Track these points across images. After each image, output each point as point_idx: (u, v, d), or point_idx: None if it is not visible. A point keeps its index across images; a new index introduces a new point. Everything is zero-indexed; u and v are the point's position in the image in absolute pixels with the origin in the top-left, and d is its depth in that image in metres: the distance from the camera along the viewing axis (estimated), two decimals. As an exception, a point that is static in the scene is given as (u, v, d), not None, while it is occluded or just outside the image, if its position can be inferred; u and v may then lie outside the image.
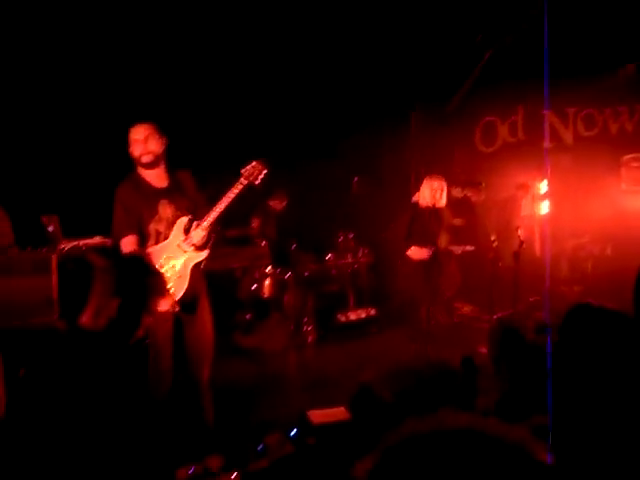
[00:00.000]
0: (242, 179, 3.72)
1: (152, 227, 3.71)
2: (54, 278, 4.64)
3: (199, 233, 3.63)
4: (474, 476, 0.63)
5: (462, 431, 0.68)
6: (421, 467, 0.65)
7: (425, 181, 5.74)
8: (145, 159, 3.66)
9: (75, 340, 2.25)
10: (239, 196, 3.72)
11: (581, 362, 1.44)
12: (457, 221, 7.53)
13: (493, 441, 0.66)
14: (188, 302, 3.67)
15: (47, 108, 5.92)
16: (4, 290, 4.27)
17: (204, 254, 3.72)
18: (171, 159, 3.84)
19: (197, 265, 3.76)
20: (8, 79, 5.67)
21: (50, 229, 4.80)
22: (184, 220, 3.69)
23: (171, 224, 3.71)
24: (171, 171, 3.81)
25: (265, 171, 3.78)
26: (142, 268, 2.39)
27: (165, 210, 3.70)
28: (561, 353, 1.50)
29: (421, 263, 5.57)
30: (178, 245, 3.66)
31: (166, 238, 3.70)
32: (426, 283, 5.62)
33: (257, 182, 3.77)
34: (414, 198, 5.82)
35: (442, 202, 5.68)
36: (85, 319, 2.33)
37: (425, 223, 5.62)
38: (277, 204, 7.22)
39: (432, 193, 5.61)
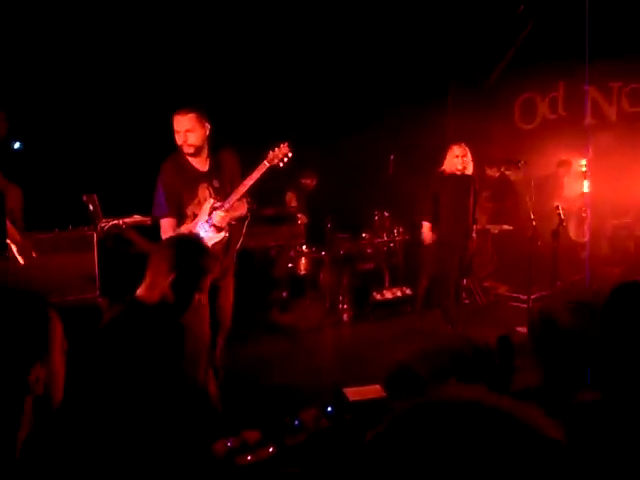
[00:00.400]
0: (265, 162, 3.76)
1: (190, 210, 3.78)
2: (95, 255, 4.77)
3: (219, 214, 3.68)
4: (481, 450, 0.62)
5: (471, 404, 0.68)
6: (425, 437, 0.65)
7: (449, 149, 5.73)
8: (186, 150, 3.73)
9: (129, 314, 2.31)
10: (263, 177, 3.76)
11: (628, 342, 1.41)
12: (492, 202, 7.45)
13: (503, 416, 0.65)
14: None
15: (88, 89, 6.00)
16: (47, 268, 4.40)
17: (221, 235, 3.76)
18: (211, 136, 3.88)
19: (224, 244, 3.79)
20: (49, 64, 5.76)
21: (90, 208, 4.91)
22: (211, 202, 3.74)
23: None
24: (213, 153, 3.85)
25: (290, 154, 3.79)
26: (197, 247, 2.46)
27: (204, 193, 3.77)
28: (606, 333, 1.47)
29: (456, 242, 5.52)
30: (201, 225, 3.72)
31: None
32: (461, 262, 5.57)
33: (281, 165, 3.79)
34: (439, 168, 5.76)
35: (469, 169, 5.65)
36: (141, 292, 2.38)
37: (452, 192, 5.57)
38: (308, 182, 7.24)
39: (456, 159, 5.59)
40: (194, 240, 2.75)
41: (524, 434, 0.63)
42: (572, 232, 7.08)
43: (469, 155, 5.66)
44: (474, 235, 5.79)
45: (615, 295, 1.51)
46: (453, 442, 0.63)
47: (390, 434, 0.68)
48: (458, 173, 5.60)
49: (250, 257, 5.96)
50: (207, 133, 3.78)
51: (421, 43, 8.24)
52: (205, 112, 3.79)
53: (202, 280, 2.39)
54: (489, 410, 0.66)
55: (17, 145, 5.36)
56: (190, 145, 3.70)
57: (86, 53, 5.94)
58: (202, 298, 2.45)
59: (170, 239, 2.78)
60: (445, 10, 7.65)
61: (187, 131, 3.68)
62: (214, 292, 3.63)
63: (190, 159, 3.80)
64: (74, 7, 5.70)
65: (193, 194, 3.76)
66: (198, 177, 3.79)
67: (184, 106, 3.72)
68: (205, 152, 3.83)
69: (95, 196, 5.02)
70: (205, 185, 3.78)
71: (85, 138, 6.00)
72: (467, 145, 5.75)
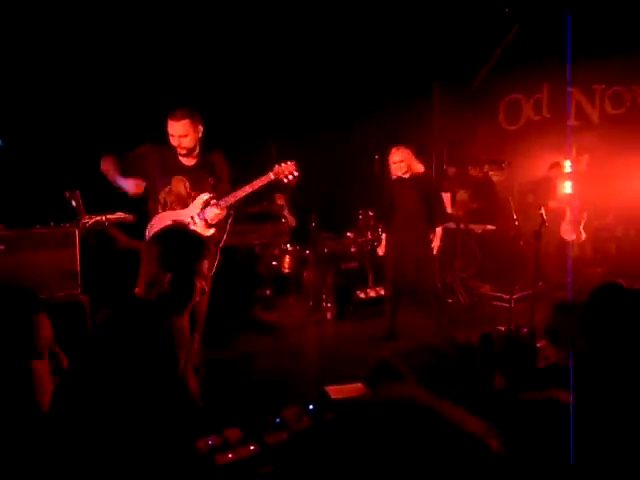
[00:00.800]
0: (271, 174, 3.85)
1: (162, 196, 3.90)
2: (77, 252, 4.73)
3: (213, 211, 3.76)
4: (409, 447, 0.64)
5: (422, 408, 0.70)
6: (360, 433, 0.68)
7: (389, 152, 5.53)
8: (179, 151, 3.88)
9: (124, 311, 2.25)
10: (263, 188, 3.90)
11: (609, 340, 1.43)
12: (475, 202, 7.49)
13: (448, 427, 0.67)
14: None
15: (70, 83, 5.94)
16: (29, 264, 4.36)
17: (210, 232, 3.81)
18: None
19: (214, 242, 3.85)
20: (31, 58, 5.70)
21: (73, 204, 4.86)
22: (205, 196, 3.81)
23: (183, 199, 3.88)
24: (203, 152, 3.98)
25: (296, 173, 3.87)
26: (186, 238, 2.35)
27: (178, 185, 3.88)
28: (587, 330, 1.49)
29: (408, 246, 5.44)
30: (192, 217, 3.79)
31: (173, 210, 3.87)
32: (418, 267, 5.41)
33: (285, 181, 3.90)
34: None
35: (415, 170, 5.44)
36: (138, 291, 2.29)
37: (400, 196, 5.43)
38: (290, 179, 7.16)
39: (394, 166, 5.40)
40: (182, 231, 2.57)
41: (452, 434, 0.65)
42: (564, 232, 7.14)
43: (410, 157, 5.43)
44: (432, 237, 5.53)
45: (595, 295, 1.53)
46: (386, 438, 0.65)
47: (328, 429, 0.71)
48: (405, 176, 5.43)
49: (234, 254, 5.94)
50: (200, 135, 3.90)
51: (406, 44, 8.27)
52: (197, 115, 3.88)
53: (200, 269, 2.30)
54: (421, 409, 0.68)
55: None
56: (183, 148, 3.85)
57: (67, 48, 5.88)
58: (205, 285, 2.35)
59: (158, 234, 2.60)
60: (430, 11, 7.68)
61: (180, 136, 3.80)
62: None
63: (180, 155, 3.93)
64: (58, 3, 5.65)
65: (166, 181, 3.87)
66: (178, 168, 3.90)
67: (177, 110, 3.81)
68: (195, 151, 3.95)
69: (78, 192, 4.98)
70: (180, 178, 3.88)
71: (68, 133, 5.95)
72: (400, 146, 5.53)
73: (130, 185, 3.85)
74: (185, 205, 3.91)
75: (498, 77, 8.81)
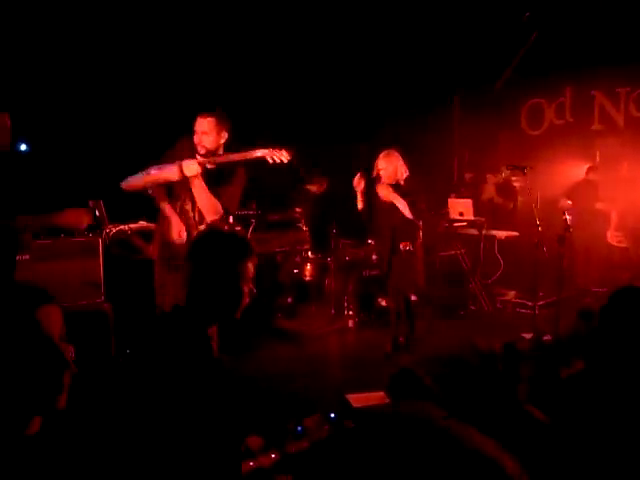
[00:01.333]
0: (258, 151, 3.75)
1: (177, 191, 3.92)
2: (100, 261, 4.79)
3: (193, 164, 3.74)
4: (423, 466, 0.63)
5: (422, 421, 0.69)
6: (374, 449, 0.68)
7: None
8: (199, 149, 3.85)
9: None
10: (249, 161, 3.81)
11: (624, 344, 1.39)
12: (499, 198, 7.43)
13: (449, 438, 0.67)
14: None
15: (96, 92, 6.02)
16: (52, 273, 4.41)
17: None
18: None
19: None
20: (58, 67, 5.80)
21: (96, 213, 4.93)
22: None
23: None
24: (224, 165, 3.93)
25: (285, 161, 3.81)
26: (221, 239, 2.14)
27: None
28: (602, 335, 1.45)
29: (382, 258, 5.34)
30: None
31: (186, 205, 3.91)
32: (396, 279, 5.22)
33: (270, 162, 3.78)
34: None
35: (397, 177, 5.19)
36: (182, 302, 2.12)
37: (379, 204, 5.24)
38: (315, 188, 7.14)
39: (381, 172, 5.19)
40: (216, 232, 2.29)
41: (469, 459, 0.64)
42: (612, 237, 7.04)
43: (395, 164, 5.21)
44: (409, 249, 5.21)
45: (613, 299, 1.49)
46: (402, 452, 0.64)
47: (346, 441, 0.71)
48: (390, 182, 5.21)
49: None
50: (222, 141, 3.88)
51: (428, 50, 8.25)
52: (226, 119, 3.87)
53: (244, 271, 2.08)
54: (438, 430, 0.68)
55: (23, 147, 5.38)
56: (203, 147, 3.82)
57: (96, 58, 5.97)
58: (253, 287, 2.15)
59: (194, 242, 2.29)
60: (452, 17, 7.66)
61: (203, 133, 3.80)
62: None
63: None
64: (83, 8, 5.74)
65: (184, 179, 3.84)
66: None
67: (207, 109, 3.84)
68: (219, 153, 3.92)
69: (101, 202, 5.04)
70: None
71: (92, 143, 6.03)
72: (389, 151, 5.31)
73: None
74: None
75: (520, 81, 8.74)
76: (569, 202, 7.06)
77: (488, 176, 7.56)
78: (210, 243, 2.10)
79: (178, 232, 3.85)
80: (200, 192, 3.77)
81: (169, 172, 3.79)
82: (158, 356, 1.90)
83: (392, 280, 5.26)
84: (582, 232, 6.79)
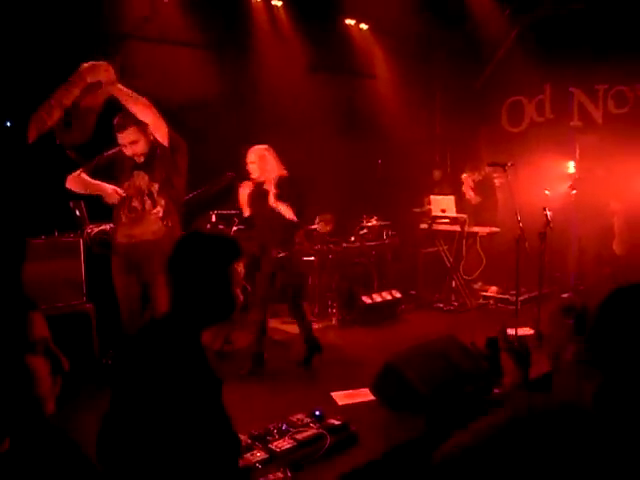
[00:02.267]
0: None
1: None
2: (81, 262, 4.75)
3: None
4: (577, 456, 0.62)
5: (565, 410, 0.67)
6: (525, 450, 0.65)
7: None
8: (137, 159, 3.87)
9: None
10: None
11: (624, 345, 1.39)
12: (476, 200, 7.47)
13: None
14: None
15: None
16: (34, 274, 4.36)
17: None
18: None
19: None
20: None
21: (77, 213, 4.88)
22: None
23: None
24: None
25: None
26: (204, 241, 2.07)
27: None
28: (600, 335, 1.44)
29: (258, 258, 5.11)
30: None
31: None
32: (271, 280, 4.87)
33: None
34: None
35: (266, 175, 4.75)
36: (166, 310, 2.08)
37: (253, 203, 4.89)
38: (323, 227, 6.77)
39: (250, 166, 4.82)
40: (197, 235, 2.26)
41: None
42: (617, 246, 6.95)
43: (265, 159, 4.77)
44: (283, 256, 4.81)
45: (612, 298, 1.47)
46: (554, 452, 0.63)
47: (486, 450, 0.67)
48: (260, 179, 4.81)
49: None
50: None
51: (408, 47, 8.29)
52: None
53: (233, 273, 2.00)
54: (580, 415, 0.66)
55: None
56: (140, 154, 3.91)
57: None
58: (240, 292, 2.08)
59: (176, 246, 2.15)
60: (431, 13, 7.69)
61: (131, 142, 3.85)
62: None
63: None
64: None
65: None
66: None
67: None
68: None
69: (82, 202, 4.99)
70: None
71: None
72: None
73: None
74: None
75: (500, 79, 8.81)
76: (616, 204, 6.94)
77: (464, 176, 7.59)
78: (197, 247, 2.01)
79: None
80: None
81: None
82: (151, 364, 1.85)
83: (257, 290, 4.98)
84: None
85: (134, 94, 3.64)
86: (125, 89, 3.60)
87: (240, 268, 2.03)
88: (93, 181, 3.94)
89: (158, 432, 1.78)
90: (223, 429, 1.97)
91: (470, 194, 7.48)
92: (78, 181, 3.97)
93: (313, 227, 6.65)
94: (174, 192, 3.86)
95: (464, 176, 7.59)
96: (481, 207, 7.44)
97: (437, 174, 8.74)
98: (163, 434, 1.78)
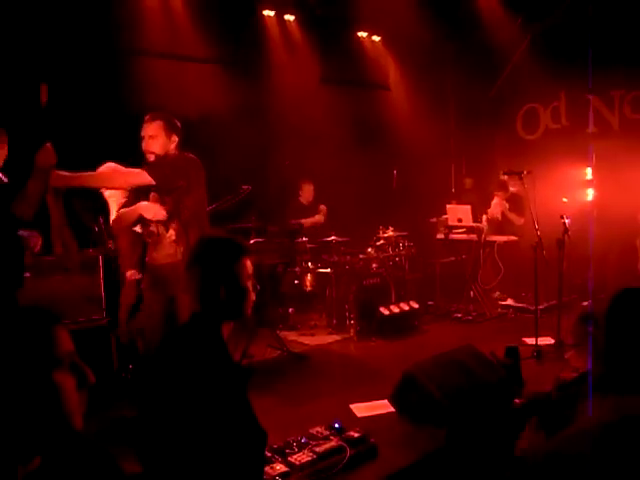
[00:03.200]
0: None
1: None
2: (100, 277, 4.79)
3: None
4: None
5: None
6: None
7: None
8: (147, 157, 3.71)
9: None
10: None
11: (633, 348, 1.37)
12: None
13: None
14: None
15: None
16: (53, 289, 4.41)
17: None
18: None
19: None
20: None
21: (95, 229, 4.93)
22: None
23: None
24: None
25: None
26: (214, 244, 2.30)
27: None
28: (611, 339, 1.43)
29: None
30: None
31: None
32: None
33: None
34: None
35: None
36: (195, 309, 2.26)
37: None
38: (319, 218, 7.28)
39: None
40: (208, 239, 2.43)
41: None
42: None
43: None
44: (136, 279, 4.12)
45: (616, 301, 1.47)
46: None
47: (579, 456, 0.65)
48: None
49: (256, 274, 5.95)
50: (174, 144, 3.75)
51: (421, 58, 8.31)
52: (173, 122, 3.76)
53: (242, 270, 2.20)
54: None
55: None
56: (151, 152, 3.68)
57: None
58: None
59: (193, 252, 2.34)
60: (445, 23, 7.72)
61: (150, 137, 3.67)
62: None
63: None
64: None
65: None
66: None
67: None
68: None
69: (101, 218, 5.04)
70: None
71: (85, 162, 6.03)
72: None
73: None
74: None
75: (514, 87, 8.79)
76: None
77: (495, 201, 7.50)
78: (209, 248, 2.23)
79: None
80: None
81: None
82: (180, 361, 2.03)
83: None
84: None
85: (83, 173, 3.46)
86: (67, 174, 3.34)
87: (249, 263, 2.24)
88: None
89: (188, 427, 1.90)
90: (250, 423, 2.08)
91: (511, 216, 7.36)
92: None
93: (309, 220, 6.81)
94: (187, 212, 3.72)
95: (495, 201, 7.48)
96: (511, 225, 7.34)
97: (468, 182, 8.72)
98: (193, 428, 1.90)
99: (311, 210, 7.32)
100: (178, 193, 3.68)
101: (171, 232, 3.76)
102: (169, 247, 3.77)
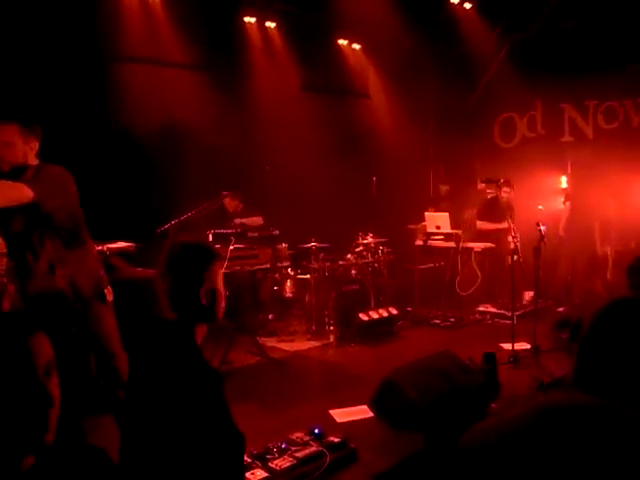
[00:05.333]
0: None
1: None
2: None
3: None
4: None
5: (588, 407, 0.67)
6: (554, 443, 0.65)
7: None
8: (2, 167, 3.10)
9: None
10: None
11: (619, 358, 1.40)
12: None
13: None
14: None
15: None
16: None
17: None
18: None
19: None
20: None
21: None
22: None
23: None
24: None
25: None
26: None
27: None
28: (593, 349, 1.45)
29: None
30: None
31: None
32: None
33: None
34: None
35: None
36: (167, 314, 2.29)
37: None
38: (229, 203, 6.84)
39: None
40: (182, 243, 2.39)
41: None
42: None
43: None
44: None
45: (608, 311, 1.47)
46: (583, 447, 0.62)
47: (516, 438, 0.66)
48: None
49: (236, 280, 5.95)
50: (33, 150, 3.22)
51: (400, 66, 8.39)
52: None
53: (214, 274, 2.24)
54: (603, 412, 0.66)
55: None
56: (5, 162, 3.10)
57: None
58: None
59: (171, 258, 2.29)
60: (425, 32, 7.80)
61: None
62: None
63: None
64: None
65: None
66: None
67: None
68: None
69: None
70: None
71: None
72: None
73: None
74: None
75: (491, 96, 8.91)
76: None
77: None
78: (181, 254, 2.24)
79: None
80: None
81: None
82: (158, 365, 2.06)
83: None
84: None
85: None
86: None
87: (220, 269, 2.28)
88: None
89: (167, 430, 1.93)
90: (227, 427, 2.10)
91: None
92: None
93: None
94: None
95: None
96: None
97: (444, 188, 8.81)
98: (172, 432, 1.93)
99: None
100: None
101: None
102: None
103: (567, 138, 8.63)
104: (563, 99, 8.53)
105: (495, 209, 7.25)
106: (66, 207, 3.24)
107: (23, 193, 2.96)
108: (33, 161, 3.22)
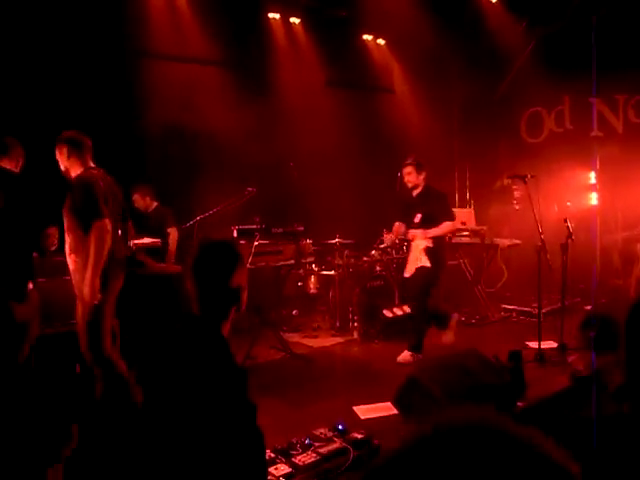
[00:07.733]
0: None
1: None
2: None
3: None
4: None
5: (477, 428, 0.65)
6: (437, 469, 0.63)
7: None
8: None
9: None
10: None
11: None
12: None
13: (510, 440, 0.63)
14: None
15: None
16: (57, 291, 4.42)
17: None
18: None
19: None
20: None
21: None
22: None
23: None
24: None
25: None
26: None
27: None
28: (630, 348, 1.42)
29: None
30: None
31: None
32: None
33: None
34: None
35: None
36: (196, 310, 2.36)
37: None
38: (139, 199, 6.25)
39: None
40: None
41: (533, 459, 0.60)
42: None
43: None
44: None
45: (636, 310, 1.44)
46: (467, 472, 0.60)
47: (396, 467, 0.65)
48: None
49: (259, 276, 5.97)
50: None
51: (425, 61, 8.32)
52: None
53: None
54: (496, 434, 0.64)
55: None
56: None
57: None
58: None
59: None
60: (450, 26, 7.73)
61: None
62: None
63: None
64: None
65: None
66: None
67: None
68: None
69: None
70: None
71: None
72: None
73: None
74: None
75: (518, 91, 8.79)
76: None
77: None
78: (208, 253, 2.31)
79: None
80: None
81: None
82: (186, 363, 2.10)
83: None
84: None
85: None
86: None
87: (244, 267, 2.34)
88: None
89: (191, 426, 1.96)
90: (247, 424, 2.13)
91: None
92: None
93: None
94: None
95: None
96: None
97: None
98: (193, 423, 1.96)
99: (153, 220, 6.17)
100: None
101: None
102: None
103: (596, 133, 8.47)
104: (592, 93, 8.37)
105: None
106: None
107: None
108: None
